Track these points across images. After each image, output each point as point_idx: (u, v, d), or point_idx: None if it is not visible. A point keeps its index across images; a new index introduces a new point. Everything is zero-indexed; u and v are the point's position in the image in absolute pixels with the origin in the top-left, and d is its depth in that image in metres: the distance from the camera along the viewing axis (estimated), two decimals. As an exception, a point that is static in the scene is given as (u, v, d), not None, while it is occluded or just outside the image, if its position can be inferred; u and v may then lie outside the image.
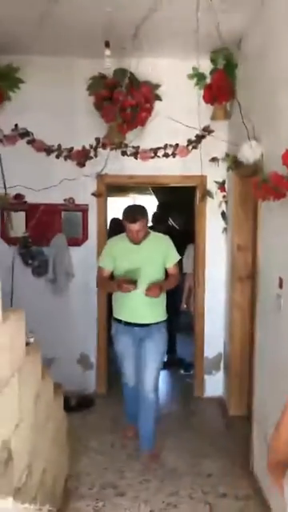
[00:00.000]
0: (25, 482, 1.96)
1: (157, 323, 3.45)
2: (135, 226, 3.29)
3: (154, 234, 3.54)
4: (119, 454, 3.57)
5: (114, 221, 5.79)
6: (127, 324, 3.44)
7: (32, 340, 2.26)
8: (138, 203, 4.03)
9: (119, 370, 3.70)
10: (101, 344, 4.56)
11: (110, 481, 3.21)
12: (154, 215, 5.48)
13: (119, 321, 3.50)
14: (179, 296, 5.09)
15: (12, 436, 1.78)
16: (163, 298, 3.48)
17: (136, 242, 3.38)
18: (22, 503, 1.94)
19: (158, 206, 6.00)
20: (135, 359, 3.51)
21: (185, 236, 5.00)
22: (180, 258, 3.70)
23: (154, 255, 3.46)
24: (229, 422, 4.10)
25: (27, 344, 2.16)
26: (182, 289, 5.03)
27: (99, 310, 4.53)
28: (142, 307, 3.37)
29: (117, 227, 5.46)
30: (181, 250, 5.03)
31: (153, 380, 3.44)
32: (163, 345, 3.51)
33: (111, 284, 3.44)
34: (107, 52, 3.55)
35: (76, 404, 4.31)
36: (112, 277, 3.57)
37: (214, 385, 4.57)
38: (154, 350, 3.43)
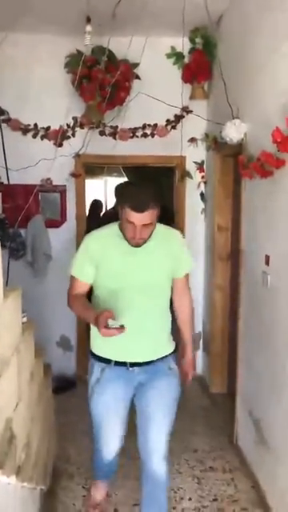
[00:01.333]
0: (24, 460, 1.95)
1: (164, 358, 2.34)
2: (142, 218, 2.07)
3: (161, 228, 2.29)
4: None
5: (95, 204, 5.71)
6: (119, 364, 2.28)
7: (25, 319, 2.22)
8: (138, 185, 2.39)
9: (94, 434, 2.55)
10: (80, 326, 4.54)
11: (98, 460, 3.22)
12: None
13: (105, 360, 2.30)
14: None
15: (13, 415, 1.76)
16: (168, 315, 2.42)
17: (136, 243, 2.18)
18: (22, 482, 1.93)
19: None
20: (124, 418, 2.42)
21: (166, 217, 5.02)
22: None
23: (160, 260, 2.29)
24: (211, 399, 4.18)
25: (22, 323, 2.13)
26: None
27: (79, 292, 4.50)
28: (140, 336, 2.23)
29: (97, 211, 5.46)
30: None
31: (164, 445, 2.36)
32: (176, 389, 2.39)
33: (87, 311, 2.22)
34: (88, 28, 3.49)
35: (56, 387, 4.27)
36: (90, 292, 2.49)
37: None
38: (165, 401, 2.34)
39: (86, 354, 4.62)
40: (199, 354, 4.64)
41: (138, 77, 4.17)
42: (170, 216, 4.92)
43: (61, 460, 3.18)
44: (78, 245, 4.46)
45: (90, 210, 4.97)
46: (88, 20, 3.51)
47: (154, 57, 4.24)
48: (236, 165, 3.52)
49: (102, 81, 3.96)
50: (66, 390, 4.31)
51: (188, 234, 4.50)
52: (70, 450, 3.34)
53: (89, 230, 4.93)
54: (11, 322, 1.81)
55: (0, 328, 1.60)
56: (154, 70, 4.25)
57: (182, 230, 4.49)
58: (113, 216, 5.30)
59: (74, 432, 3.61)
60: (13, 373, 1.75)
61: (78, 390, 4.34)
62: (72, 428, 3.65)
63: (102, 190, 9.00)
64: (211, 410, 4.02)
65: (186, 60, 4.25)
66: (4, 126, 4.25)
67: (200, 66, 4.15)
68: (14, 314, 1.89)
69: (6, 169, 4.12)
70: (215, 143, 3.96)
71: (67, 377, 4.48)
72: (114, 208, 5.52)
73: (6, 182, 4.20)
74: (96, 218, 5.23)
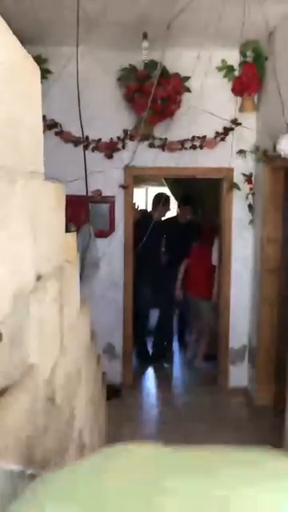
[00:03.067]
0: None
1: None
2: None
3: None
4: (150, 439, 3.61)
5: (143, 213, 5.75)
6: None
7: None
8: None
9: None
10: (126, 335, 4.60)
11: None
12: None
13: None
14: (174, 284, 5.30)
15: (84, 425, 1.82)
16: None
17: None
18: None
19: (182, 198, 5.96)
20: None
21: (209, 228, 5.07)
22: None
23: None
24: (256, 412, 4.16)
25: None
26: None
27: (125, 301, 4.57)
28: None
29: (145, 220, 5.51)
30: (205, 242, 5.13)
31: None
32: None
33: None
34: (145, 44, 3.58)
35: (104, 394, 4.35)
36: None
37: (238, 375, 4.62)
38: None
39: (131, 363, 4.70)
40: (244, 365, 4.62)
41: (188, 90, 4.23)
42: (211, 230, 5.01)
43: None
44: (125, 254, 4.57)
45: (137, 221, 5.00)
46: (144, 36, 3.60)
47: (204, 70, 4.29)
48: (287, 177, 3.53)
49: (153, 94, 4.04)
50: (112, 397, 4.35)
51: (235, 246, 4.51)
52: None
53: (138, 239, 5.03)
54: (84, 331, 1.87)
55: (79, 337, 1.66)
56: (204, 82, 4.29)
57: (229, 239, 4.51)
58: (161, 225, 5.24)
59: (118, 436, 3.64)
60: (85, 383, 1.81)
61: (124, 398, 4.40)
62: (115, 432, 3.70)
63: (143, 198, 9.11)
64: (255, 422, 3.99)
65: (237, 73, 4.28)
66: (57, 138, 4.37)
67: (251, 78, 4.17)
68: (87, 323, 1.95)
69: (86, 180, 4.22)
70: (266, 156, 3.97)
71: (113, 385, 4.53)
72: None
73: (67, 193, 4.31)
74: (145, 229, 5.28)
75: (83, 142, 4.13)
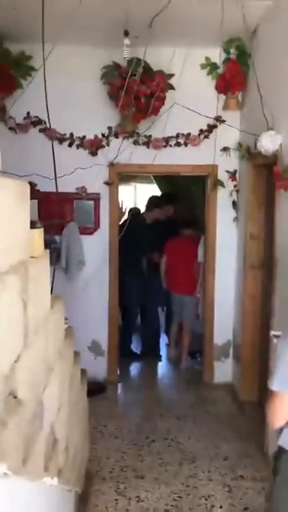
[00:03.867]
0: (63, 463, 2.02)
1: None
2: None
3: None
4: (136, 438, 3.64)
5: (134, 212, 5.79)
6: None
7: (66, 326, 2.29)
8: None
9: None
10: (112, 331, 4.62)
11: (130, 463, 3.28)
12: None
13: None
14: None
15: (56, 420, 1.83)
16: None
17: None
18: (61, 484, 2.00)
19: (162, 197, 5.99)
20: None
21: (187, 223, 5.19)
22: None
23: None
24: (241, 407, 4.19)
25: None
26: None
27: (110, 298, 4.58)
28: None
29: (136, 220, 5.57)
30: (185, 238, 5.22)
31: None
32: None
33: None
34: (126, 41, 3.58)
35: (88, 390, 4.36)
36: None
37: (223, 371, 4.65)
38: None
39: (116, 360, 4.72)
40: (229, 361, 4.66)
41: (172, 87, 4.23)
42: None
43: (92, 462, 3.24)
44: (110, 251, 4.57)
45: (128, 221, 5.00)
46: (126, 33, 3.60)
47: (188, 67, 4.31)
48: (270, 175, 3.55)
49: (137, 92, 4.04)
50: (97, 393, 4.37)
51: (220, 242, 4.53)
52: (101, 453, 3.40)
53: (125, 238, 5.07)
54: (56, 329, 1.88)
55: (48, 334, 1.68)
56: (188, 80, 4.31)
57: (213, 237, 4.53)
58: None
59: (104, 434, 3.67)
60: (57, 378, 1.82)
61: (109, 394, 4.42)
62: (101, 430, 3.72)
63: (132, 196, 9.09)
64: (240, 417, 4.03)
65: (220, 70, 4.29)
66: (41, 135, 4.37)
67: (234, 76, 4.18)
68: (59, 320, 1.97)
69: (56, 178, 4.23)
70: (249, 153, 3.99)
71: (98, 381, 4.55)
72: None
73: (51, 190, 4.31)
74: (137, 228, 5.29)
75: (53, 139, 4.09)
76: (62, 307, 2.03)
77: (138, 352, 5.51)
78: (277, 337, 3.32)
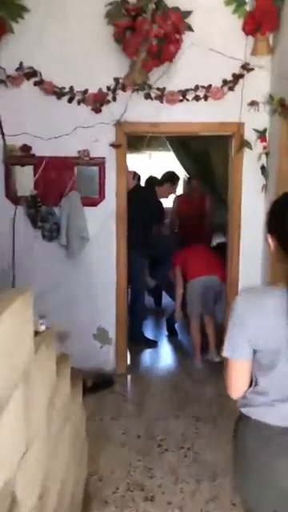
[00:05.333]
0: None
1: None
2: None
3: None
4: (146, 445, 3.09)
5: (146, 180, 5.18)
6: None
7: (43, 328, 1.71)
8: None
9: None
10: (120, 316, 4.05)
11: (137, 480, 2.74)
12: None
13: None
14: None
15: (17, 471, 1.26)
16: None
17: None
18: None
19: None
20: None
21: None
22: None
23: None
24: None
25: (37, 334, 1.62)
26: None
27: (118, 279, 3.99)
28: None
29: (146, 189, 5.00)
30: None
31: None
32: None
33: None
34: None
35: (93, 385, 3.83)
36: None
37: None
38: None
39: (125, 349, 4.17)
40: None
41: (190, 28, 3.53)
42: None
43: (92, 477, 2.71)
44: (118, 226, 3.97)
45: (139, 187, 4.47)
46: None
47: (209, 3, 3.59)
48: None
49: (147, 33, 3.36)
50: (103, 388, 3.84)
51: (245, 215, 3.87)
52: (103, 465, 2.86)
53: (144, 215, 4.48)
54: (15, 338, 1.29)
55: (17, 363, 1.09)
56: (209, 19, 3.60)
57: (238, 209, 3.88)
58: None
59: (108, 439, 3.13)
60: (14, 417, 1.24)
61: (116, 389, 3.88)
62: (106, 434, 3.18)
63: (146, 166, 8.41)
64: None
65: (248, 8, 3.57)
66: (36, 89, 3.73)
67: (265, 13, 3.47)
68: (21, 325, 1.38)
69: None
70: (282, 106, 3.30)
71: (104, 373, 4.01)
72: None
73: (48, 154, 3.73)
74: (147, 198, 4.75)
75: (50, 93, 3.45)
76: (26, 306, 1.43)
77: (152, 338, 4.96)
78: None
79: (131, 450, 3.03)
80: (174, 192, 5.29)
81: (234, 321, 1.44)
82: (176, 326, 5.22)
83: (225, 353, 1.49)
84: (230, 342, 1.47)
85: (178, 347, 4.93)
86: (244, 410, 1.53)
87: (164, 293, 5.67)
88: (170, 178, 5.01)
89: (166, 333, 5.20)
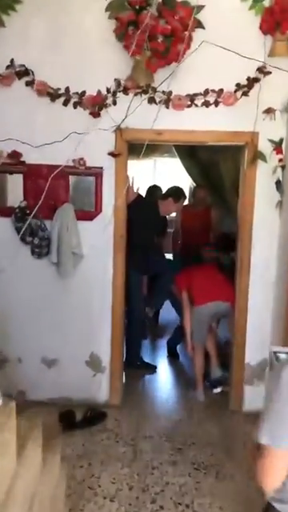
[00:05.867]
0: None
1: None
2: None
3: None
4: (139, 501, 2.69)
5: (149, 189, 4.78)
6: None
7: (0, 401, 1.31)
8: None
9: None
10: (115, 342, 3.66)
11: None
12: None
13: None
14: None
15: None
16: None
17: None
18: None
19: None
20: None
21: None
22: None
23: None
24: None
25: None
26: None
27: (115, 301, 3.60)
28: None
29: (148, 200, 4.63)
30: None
31: None
32: None
33: None
34: None
35: (82, 419, 3.45)
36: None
37: (256, 397, 3.65)
38: None
39: (120, 378, 3.78)
40: (263, 386, 3.66)
41: (201, 25, 3.15)
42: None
43: None
44: (116, 242, 3.60)
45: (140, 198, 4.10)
46: None
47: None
48: None
49: (153, 29, 2.99)
50: (94, 422, 3.45)
51: (257, 234, 3.48)
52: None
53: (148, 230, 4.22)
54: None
55: None
56: (222, 16, 3.22)
57: (249, 227, 3.49)
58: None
59: (96, 492, 2.72)
60: None
61: (109, 423, 3.48)
62: (93, 484, 2.78)
63: (151, 173, 8.02)
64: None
65: (267, 2, 3.19)
66: (28, 89, 3.36)
67: (286, 10, 3.09)
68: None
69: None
70: (303, 115, 2.92)
71: (96, 405, 3.62)
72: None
73: (40, 162, 3.37)
74: (148, 210, 4.36)
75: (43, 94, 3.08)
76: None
77: (152, 363, 4.58)
78: (277, 355, 2.35)
79: (120, 506, 2.62)
80: (178, 209, 4.83)
81: (280, 395, 1.18)
82: (178, 347, 4.85)
83: (262, 438, 1.21)
84: (272, 423, 1.20)
85: (179, 373, 4.54)
86: (278, 507, 1.31)
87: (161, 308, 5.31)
88: (175, 193, 4.52)
89: (165, 353, 4.82)
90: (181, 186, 4.67)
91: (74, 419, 3.46)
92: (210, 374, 4.03)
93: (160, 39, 3.00)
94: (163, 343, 5.02)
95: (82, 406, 3.56)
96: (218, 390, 3.96)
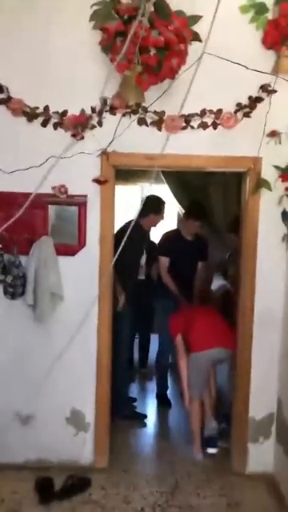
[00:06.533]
0: None
1: None
2: None
3: None
4: None
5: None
6: None
7: None
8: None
9: None
10: (101, 396, 3.18)
11: None
12: None
13: None
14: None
15: None
16: None
17: None
18: None
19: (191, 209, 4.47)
20: None
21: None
22: None
23: None
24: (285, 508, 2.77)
25: None
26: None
27: (100, 349, 3.15)
28: None
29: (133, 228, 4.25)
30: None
31: None
32: None
33: None
34: None
35: (62, 488, 2.96)
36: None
37: (261, 457, 3.21)
38: None
39: (106, 437, 3.28)
40: (270, 443, 3.21)
41: (198, 37, 2.80)
42: None
43: None
44: (101, 280, 3.17)
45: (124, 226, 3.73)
46: None
47: (221, 10, 2.83)
48: None
49: (144, 40, 2.62)
50: (75, 492, 2.96)
51: (262, 271, 3.09)
52: None
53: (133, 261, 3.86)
54: None
55: None
56: (221, 29, 2.84)
57: (252, 264, 3.09)
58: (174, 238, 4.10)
59: None
60: None
61: (94, 492, 2.99)
62: None
63: (138, 200, 7.61)
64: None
65: (270, 15, 2.87)
66: (2, 108, 2.97)
67: (292, 22, 2.77)
68: None
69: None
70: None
71: (79, 468, 3.13)
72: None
73: (14, 189, 2.96)
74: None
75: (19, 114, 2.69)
76: None
77: (143, 412, 4.11)
78: None
79: None
80: (163, 219, 4.40)
81: None
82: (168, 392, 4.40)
83: None
84: None
85: (172, 424, 4.06)
86: None
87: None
88: (155, 204, 4.17)
89: (156, 400, 4.36)
90: (154, 195, 4.34)
91: (53, 488, 2.97)
92: (204, 429, 3.55)
93: (152, 52, 2.63)
94: (153, 386, 4.56)
95: (63, 470, 3.07)
96: (212, 450, 3.47)
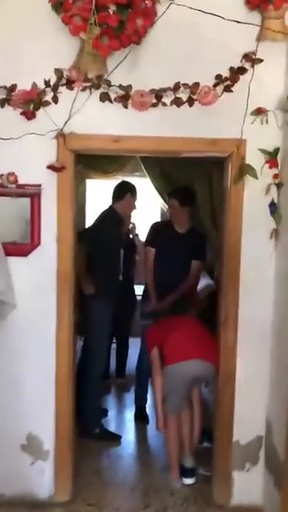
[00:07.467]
0: None
1: None
2: None
3: None
4: None
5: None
6: None
7: None
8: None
9: None
10: (61, 419, 2.73)
11: None
12: None
13: None
14: None
15: None
16: None
17: None
18: None
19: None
20: None
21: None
22: None
23: None
24: None
25: None
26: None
27: (59, 361, 2.70)
28: None
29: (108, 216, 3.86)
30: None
31: None
32: None
33: None
34: None
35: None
36: None
37: (247, 486, 2.78)
38: None
39: (68, 465, 2.78)
40: (258, 471, 2.79)
41: (168, -5, 2.36)
42: None
43: None
44: (60, 284, 2.72)
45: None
46: None
47: None
48: None
49: (102, -4, 2.18)
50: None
51: (247, 272, 2.65)
52: None
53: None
54: None
55: None
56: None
57: (236, 264, 2.66)
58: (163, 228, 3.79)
59: None
60: None
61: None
62: None
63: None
64: None
65: None
66: None
67: (280, -22, 2.33)
68: None
69: None
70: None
71: (37, 503, 2.69)
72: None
73: None
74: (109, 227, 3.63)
75: None
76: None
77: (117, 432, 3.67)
78: None
79: None
80: (135, 208, 3.91)
81: None
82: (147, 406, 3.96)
83: None
84: None
85: (150, 444, 3.62)
86: None
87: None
88: (130, 186, 3.78)
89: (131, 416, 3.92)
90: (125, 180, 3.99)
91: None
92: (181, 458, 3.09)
93: (112, 10, 2.19)
94: (130, 398, 4.12)
95: (16, 506, 2.63)
96: (189, 481, 3.03)
